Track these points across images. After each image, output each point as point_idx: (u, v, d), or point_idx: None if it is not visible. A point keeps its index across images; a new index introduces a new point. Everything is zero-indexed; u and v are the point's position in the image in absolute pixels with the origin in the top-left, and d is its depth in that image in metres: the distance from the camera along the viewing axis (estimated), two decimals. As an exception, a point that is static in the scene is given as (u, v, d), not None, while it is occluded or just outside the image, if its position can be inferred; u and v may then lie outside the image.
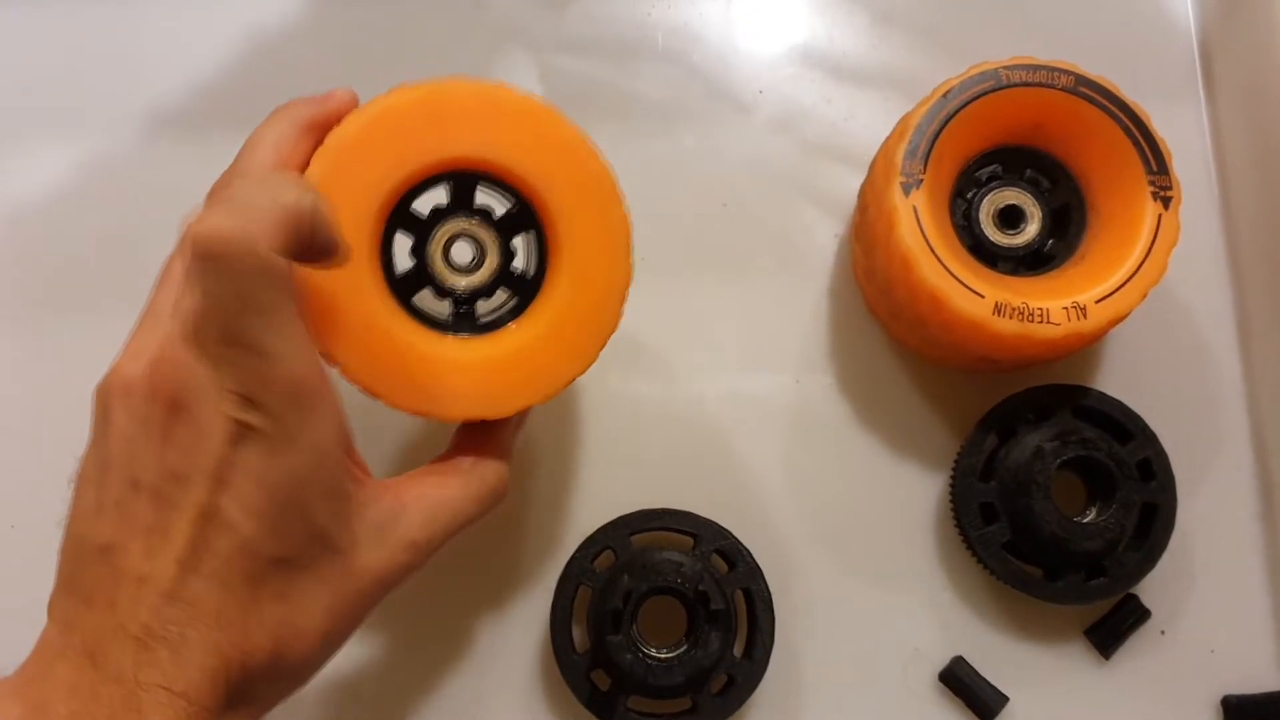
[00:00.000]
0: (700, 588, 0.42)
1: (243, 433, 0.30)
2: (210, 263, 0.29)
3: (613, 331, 0.38)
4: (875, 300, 0.48)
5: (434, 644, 0.46)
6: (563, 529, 0.47)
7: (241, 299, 0.30)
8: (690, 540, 0.45)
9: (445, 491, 0.37)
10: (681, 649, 0.43)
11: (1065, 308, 0.42)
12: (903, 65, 0.51)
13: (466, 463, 0.38)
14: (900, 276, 0.43)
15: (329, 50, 0.52)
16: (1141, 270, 0.42)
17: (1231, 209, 0.50)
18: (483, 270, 0.38)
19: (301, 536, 0.31)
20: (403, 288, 0.37)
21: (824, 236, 0.50)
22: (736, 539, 0.45)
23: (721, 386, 0.49)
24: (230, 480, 0.30)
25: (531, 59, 0.51)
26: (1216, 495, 0.48)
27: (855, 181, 0.48)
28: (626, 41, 0.52)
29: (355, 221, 0.36)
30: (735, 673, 0.44)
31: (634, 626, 0.43)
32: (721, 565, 0.45)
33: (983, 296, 0.42)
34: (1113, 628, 0.47)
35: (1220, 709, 0.46)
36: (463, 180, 0.38)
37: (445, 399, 0.37)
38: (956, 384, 0.48)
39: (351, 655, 0.46)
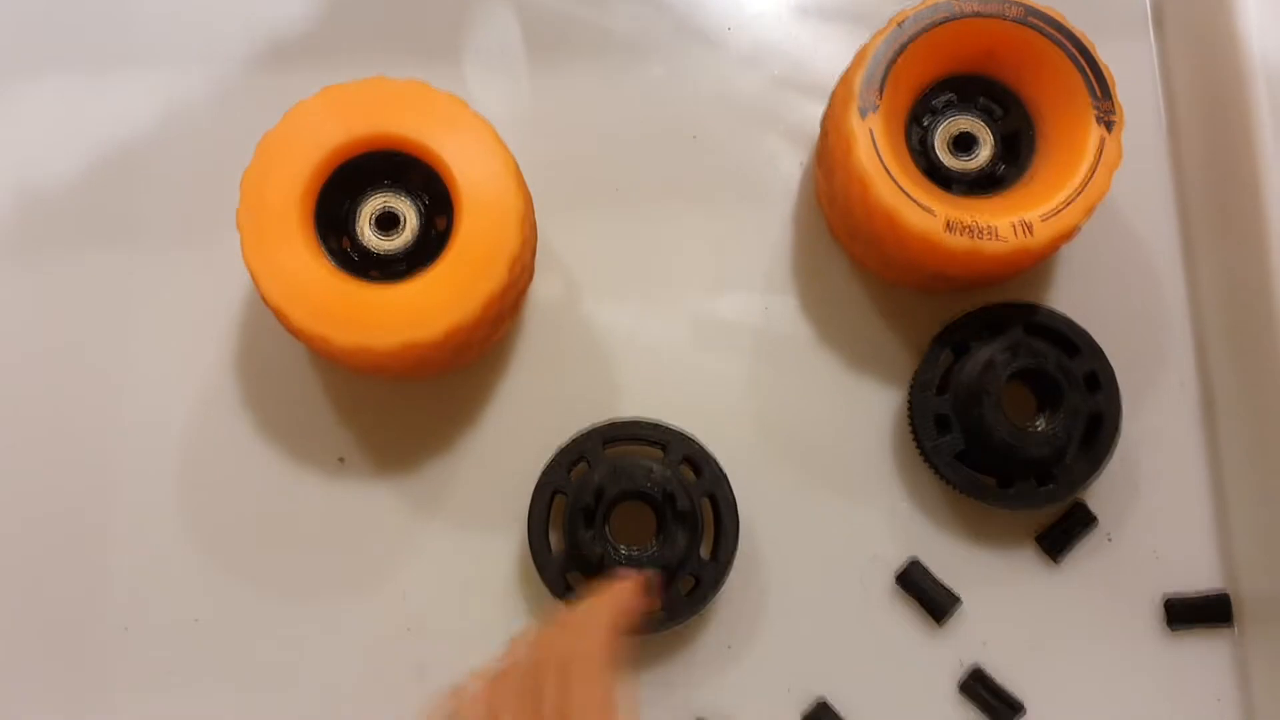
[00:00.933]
0: (668, 490, 0.45)
1: None
2: None
3: (499, 284, 0.43)
4: (836, 223, 0.50)
5: (422, 553, 0.49)
6: (540, 445, 0.49)
7: None
8: (660, 452, 0.47)
9: None
10: (651, 549, 0.45)
11: (1013, 224, 0.44)
12: (867, 1, 0.54)
13: None
14: (858, 196, 0.45)
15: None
16: (1086, 189, 0.45)
17: (1178, 137, 0.52)
18: (403, 234, 0.46)
19: None
20: (339, 252, 0.45)
21: (789, 166, 0.52)
22: (703, 446, 0.47)
23: (691, 308, 0.51)
24: None
25: (511, 4, 0.53)
26: (1161, 409, 0.50)
27: (819, 113, 0.50)
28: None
29: (296, 191, 0.43)
30: (701, 574, 0.46)
31: (606, 526, 0.45)
32: (690, 474, 0.47)
33: (934, 214, 0.44)
34: (1061, 533, 0.49)
35: (1163, 608, 0.49)
36: (391, 161, 0.45)
37: (378, 331, 0.43)
38: (914, 304, 0.50)
39: (345, 561, 0.49)
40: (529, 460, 0.48)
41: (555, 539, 0.47)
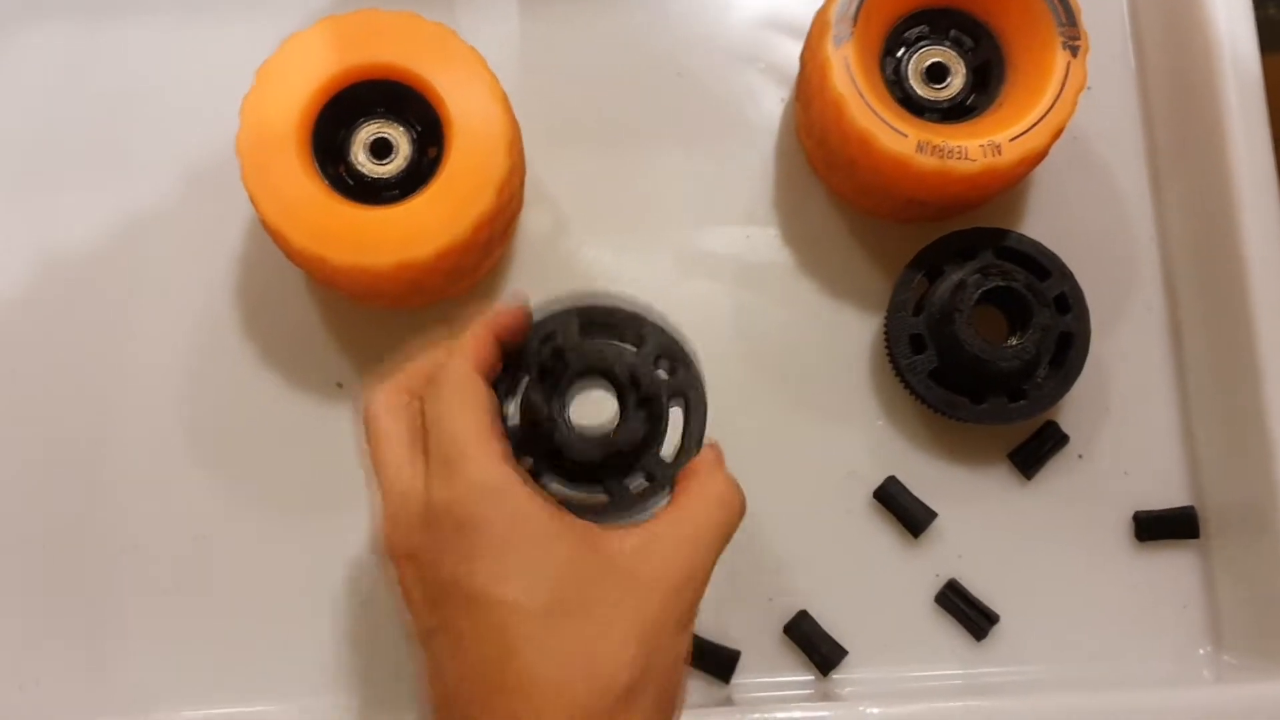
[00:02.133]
0: (635, 373, 0.41)
1: None
2: None
3: (488, 206, 0.45)
4: (815, 154, 0.52)
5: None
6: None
7: None
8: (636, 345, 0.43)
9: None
10: (605, 429, 0.42)
11: (982, 145, 0.46)
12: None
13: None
14: (833, 122, 0.47)
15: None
16: (1052, 111, 0.46)
17: (1144, 66, 0.54)
18: (396, 160, 0.47)
19: None
20: (335, 178, 0.47)
21: (770, 102, 0.54)
22: (684, 345, 0.44)
23: (674, 240, 0.53)
24: None
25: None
26: (1130, 332, 0.52)
27: (799, 51, 0.52)
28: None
29: (293, 118, 0.45)
30: (656, 473, 0.42)
31: (563, 403, 0.42)
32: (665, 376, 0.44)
33: (906, 136, 0.46)
34: (1033, 451, 0.51)
35: (1132, 522, 0.51)
36: (384, 90, 0.47)
37: (373, 251, 0.45)
38: (890, 233, 0.52)
39: (342, 480, 0.50)
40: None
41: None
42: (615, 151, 0.53)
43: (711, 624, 0.50)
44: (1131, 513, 0.51)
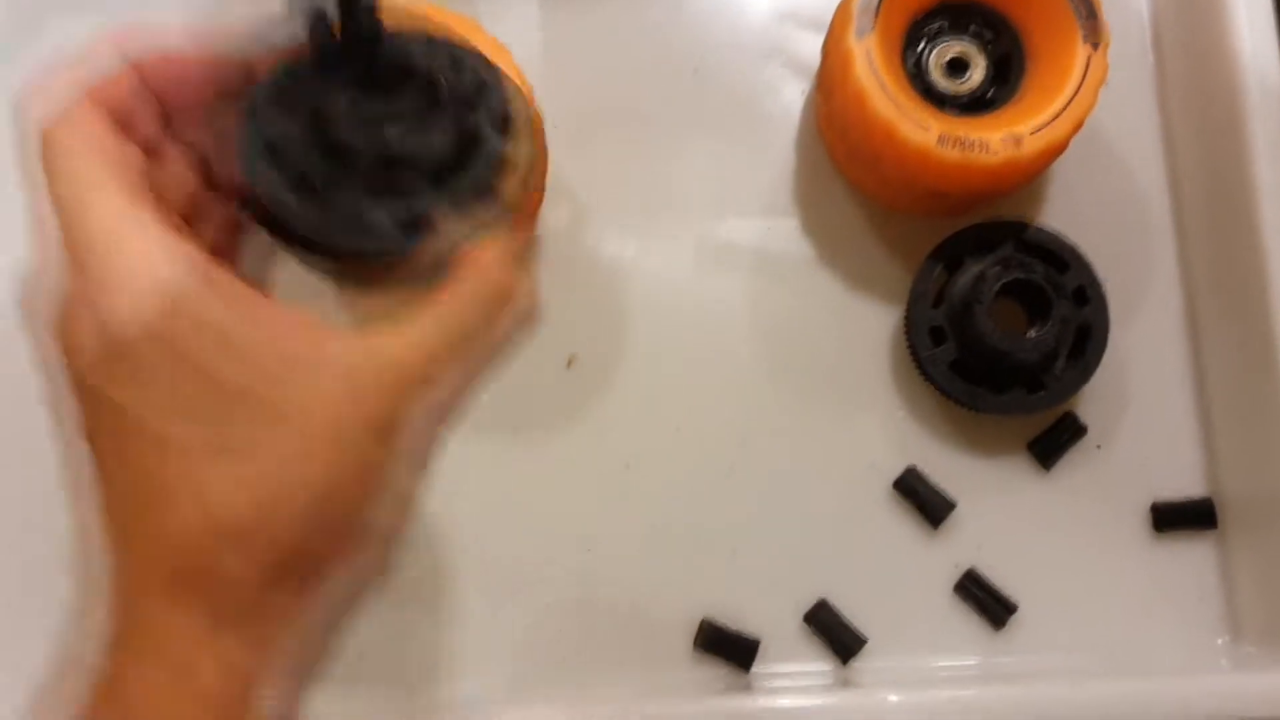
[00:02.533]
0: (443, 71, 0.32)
1: None
2: None
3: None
4: (835, 146, 0.52)
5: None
6: (551, 363, 0.52)
7: None
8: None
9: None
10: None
11: (1003, 138, 0.46)
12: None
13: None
14: (855, 113, 0.48)
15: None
16: (1073, 103, 0.47)
17: (1163, 60, 0.54)
18: None
19: None
20: None
21: (791, 94, 0.54)
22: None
23: (695, 232, 0.53)
24: None
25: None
26: (1148, 324, 0.52)
27: (819, 45, 0.52)
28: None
29: None
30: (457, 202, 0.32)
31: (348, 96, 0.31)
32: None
33: (928, 129, 0.46)
34: (1052, 441, 0.51)
35: (1150, 513, 0.51)
36: None
37: None
38: (910, 227, 0.53)
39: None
40: (538, 377, 0.51)
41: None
42: (635, 146, 0.54)
43: (732, 612, 0.50)
44: (1149, 503, 0.51)
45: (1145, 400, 0.52)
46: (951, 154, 0.46)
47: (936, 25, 0.50)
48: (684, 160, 0.54)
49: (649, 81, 0.54)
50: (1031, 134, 0.46)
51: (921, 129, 0.46)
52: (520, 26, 0.54)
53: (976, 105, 0.50)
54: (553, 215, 0.53)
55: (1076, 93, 0.47)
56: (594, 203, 0.53)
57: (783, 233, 0.53)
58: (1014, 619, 0.50)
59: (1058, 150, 0.47)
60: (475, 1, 0.54)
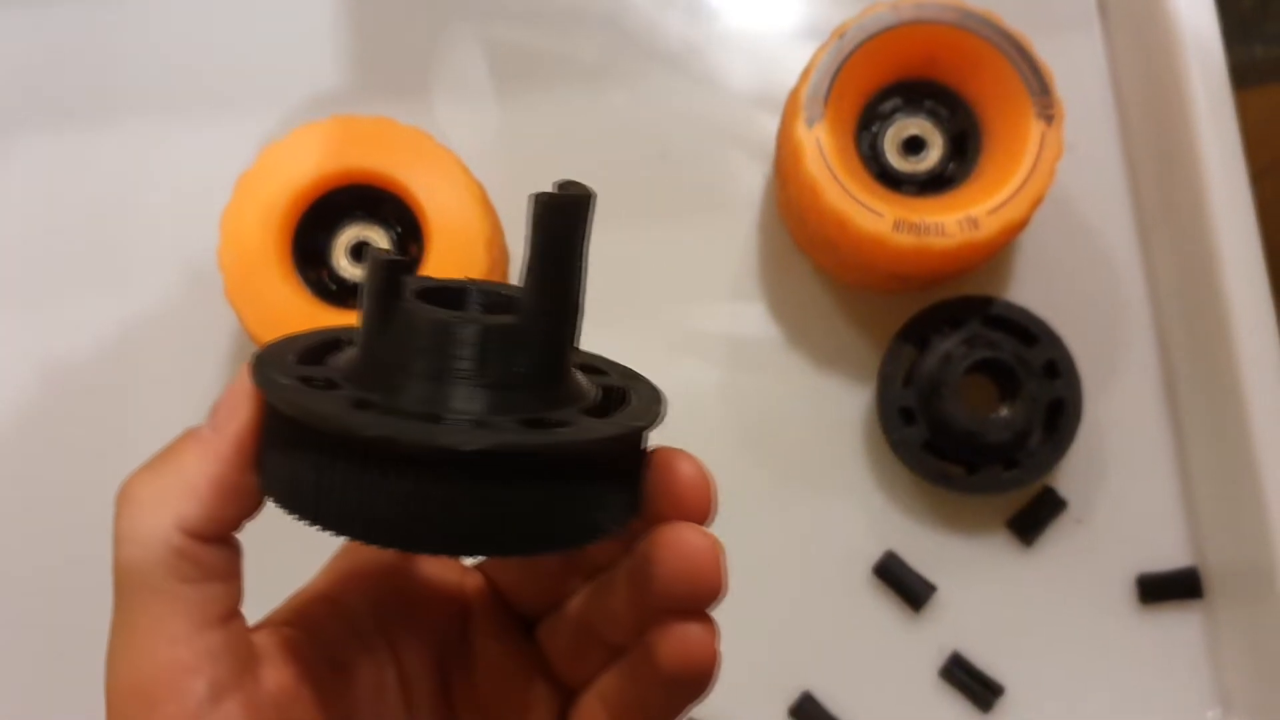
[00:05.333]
0: None
1: None
2: None
3: None
4: (797, 230, 0.52)
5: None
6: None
7: None
8: None
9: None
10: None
11: (958, 220, 0.46)
12: (824, 13, 0.55)
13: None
14: (810, 203, 0.47)
15: (278, 26, 0.56)
16: (1029, 182, 0.46)
17: (1128, 128, 0.54)
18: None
19: None
20: (319, 283, 0.47)
21: (753, 178, 0.54)
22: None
23: (663, 320, 0.53)
24: None
25: (474, 33, 0.56)
26: (1124, 393, 0.52)
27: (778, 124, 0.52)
28: (561, 10, 0.56)
29: (273, 227, 0.46)
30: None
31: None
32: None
33: (882, 215, 0.46)
34: (1032, 518, 0.51)
35: (1135, 586, 0.50)
36: (363, 195, 0.47)
37: None
38: (877, 303, 0.52)
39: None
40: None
41: None
42: (599, 235, 0.53)
43: (717, 709, 0.49)
44: (1134, 575, 0.50)
45: (1125, 472, 0.51)
46: (907, 240, 0.46)
47: (891, 104, 0.50)
48: (650, 247, 0.53)
49: (611, 169, 0.54)
50: (988, 214, 0.46)
51: (875, 216, 0.46)
52: (480, 121, 0.54)
53: (935, 183, 0.49)
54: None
55: (1033, 170, 0.46)
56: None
57: (751, 317, 0.53)
58: (1001, 701, 0.49)
59: (1016, 229, 0.47)
60: (432, 100, 0.55)
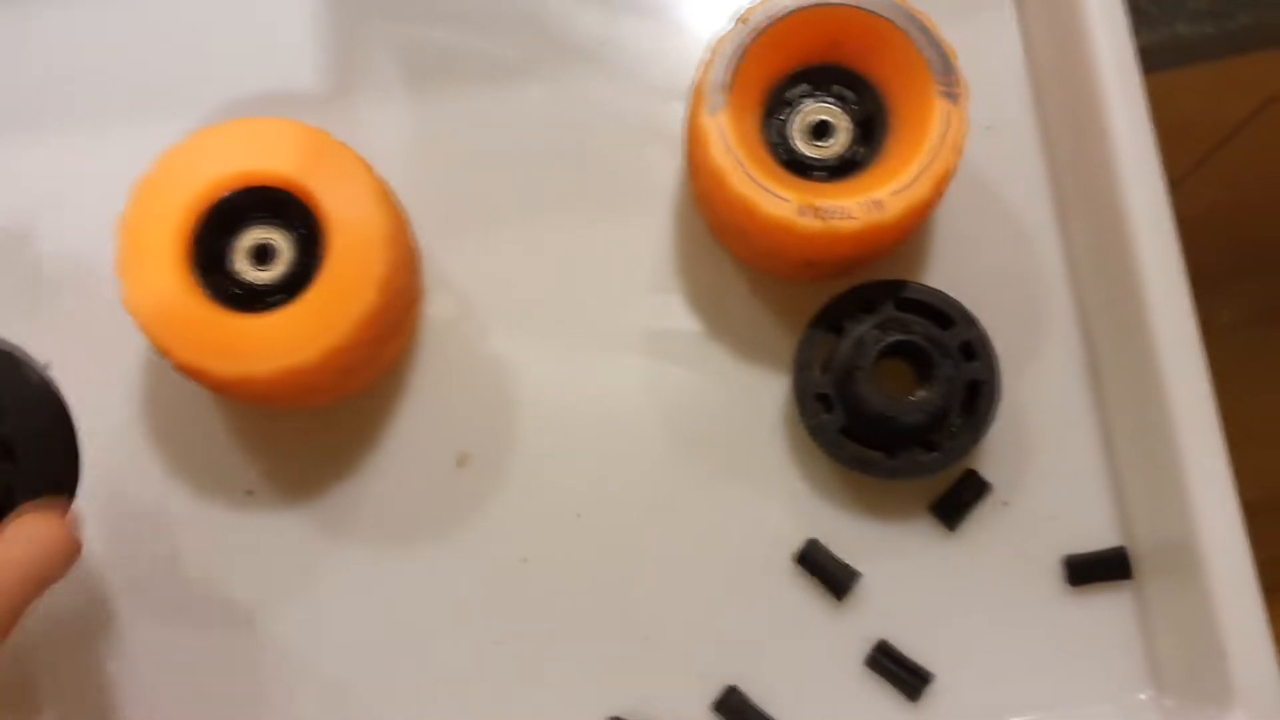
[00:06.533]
0: None
1: None
2: None
3: (369, 306, 0.45)
4: (711, 220, 0.52)
5: (331, 576, 0.50)
6: (444, 460, 0.51)
7: None
8: None
9: None
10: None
11: (863, 203, 0.46)
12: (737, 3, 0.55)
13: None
14: (717, 192, 0.47)
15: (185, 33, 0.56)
16: (934, 162, 0.46)
17: (1044, 108, 0.53)
18: (279, 266, 0.47)
19: None
20: (223, 288, 0.47)
21: (668, 171, 0.54)
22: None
23: (582, 316, 0.52)
24: None
25: (387, 32, 0.55)
26: (1047, 373, 0.51)
27: (691, 116, 0.52)
28: (476, 7, 0.55)
29: (170, 233, 0.45)
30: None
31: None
32: None
33: (788, 200, 0.46)
34: (955, 501, 0.50)
35: (1063, 567, 0.50)
36: (265, 197, 0.47)
37: (255, 359, 0.45)
38: (795, 291, 0.52)
39: (258, 589, 0.50)
40: (428, 481, 0.50)
41: None
42: (517, 233, 0.53)
43: (641, 704, 0.49)
44: (1062, 557, 0.50)
45: (1050, 452, 0.51)
46: (813, 224, 0.45)
47: (798, 90, 0.49)
48: (567, 245, 0.53)
49: (526, 169, 0.54)
50: (892, 196, 0.45)
51: (781, 201, 0.45)
52: (395, 122, 0.54)
53: (845, 168, 0.49)
54: (434, 309, 0.52)
55: (937, 150, 0.46)
56: (477, 294, 0.53)
57: (670, 309, 0.52)
58: (930, 689, 0.49)
59: (922, 210, 0.46)
60: (347, 101, 0.54)
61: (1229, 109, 0.78)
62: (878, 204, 0.46)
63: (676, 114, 0.54)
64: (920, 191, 0.46)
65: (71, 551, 0.39)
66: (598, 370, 0.52)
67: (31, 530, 0.38)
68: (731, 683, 0.49)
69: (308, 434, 0.51)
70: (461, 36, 0.55)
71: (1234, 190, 0.85)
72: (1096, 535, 0.50)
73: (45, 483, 0.41)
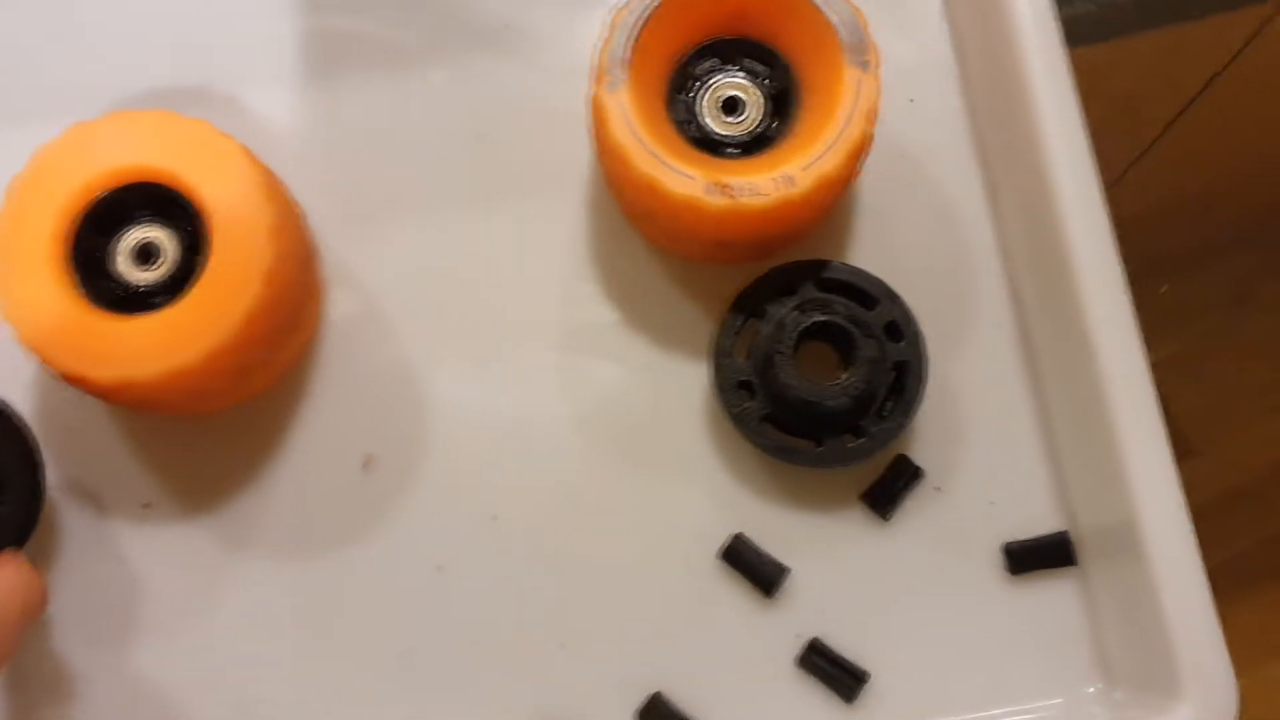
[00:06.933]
0: None
1: None
2: None
3: (255, 300, 0.42)
4: (620, 203, 0.49)
5: (235, 589, 0.48)
6: (351, 462, 0.49)
7: None
8: None
9: None
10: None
11: (773, 179, 0.43)
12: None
13: None
14: (621, 171, 0.45)
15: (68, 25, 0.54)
16: (845, 132, 0.44)
17: (967, 76, 0.51)
18: (163, 266, 0.45)
19: None
20: (105, 291, 0.44)
21: (580, 154, 0.51)
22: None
23: (494, 307, 0.50)
24: None
25: (285, 21, 0.53)
26: (979, 353, 0.49)
27: (604, 99, 0.50)
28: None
29: (45, 234, 0.43)
30: None
31: None
32: None
33: (694, 178, 0.43)
34: (887, 489, 0.48)
35: (1003, 556, 0.47)
36: (148, 194, 0.45)
37: (136, 362, 0.42)
38: (714, 277, 0.49)
39: (158, 605, 0.48)
40: (332, 486, 0.48)
41: None
42: (424, 224, 0.51)
43: (563, 715, 0.46)
44: (1001, 544, 0.47)
45: (985, 435, 0.48)
46: (721, 202, 0.43)
47: (706, 65, 0.47)
48: (475, 234, 0.51)
49: (432, 158, 0.51)
50: (803, 170, 0.43)
51: (687, 179, 0.43)
52: (283, 111, 0.52)
53: (759, 144, 0.47)
54: (336, 307, 0.50)
55: (849, 121, 0.44)
56: (381, 289, 0.50)
57: (585, 298, 0.50)
58: (867, 689, 0.46)
59: (835, 183, 0.44)
60: (234, 90, 0.52)
61: (1181, 80, 0.76)
62: (789, 179, 0.43)
63: (585, 94, 0.52)
64: (833, 164, 0.43)
65: (43, 600, 0.43)
66: (510, 364, 0.50)
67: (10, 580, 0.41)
68: (656, 689, 0.46)
69: (207, 442, 0.48)
70: (359, 23, 0.53)
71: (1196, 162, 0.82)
72: (1037, 521, 0.48)
73: (13, 526, 0.43)
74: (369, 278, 0.50)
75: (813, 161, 0.43)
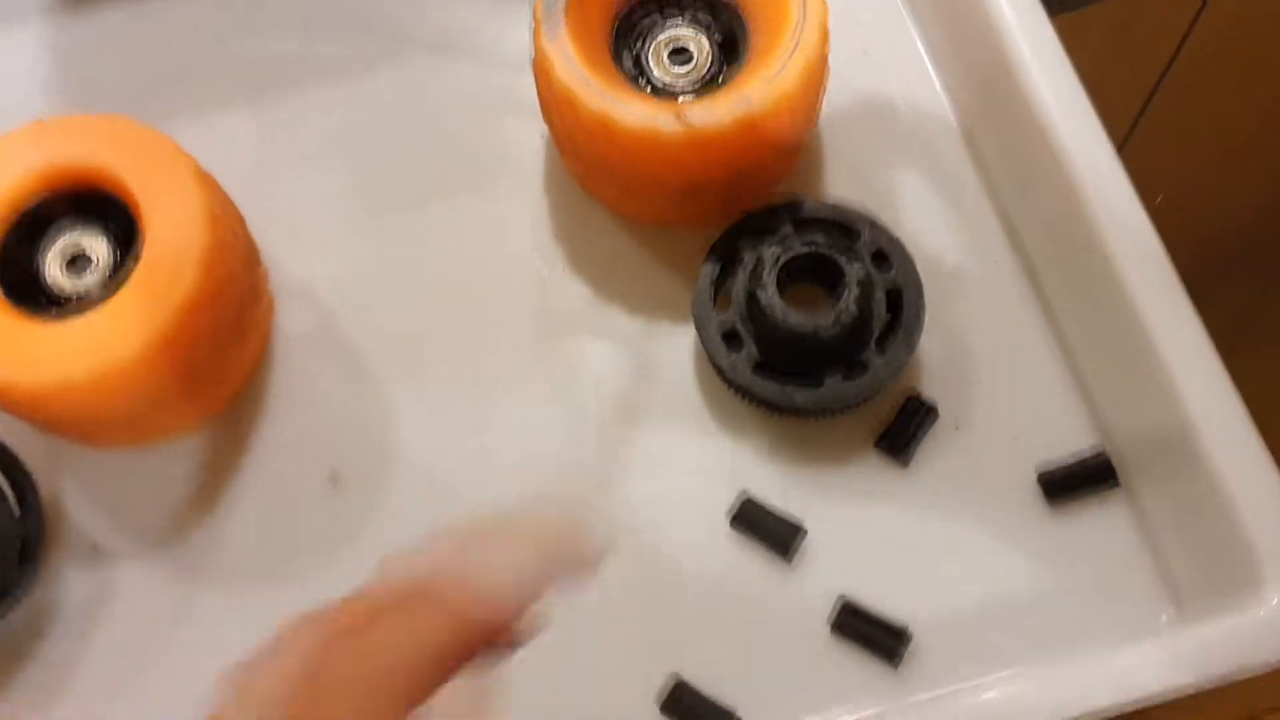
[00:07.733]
0: None
1: None
2: None
3: (190, 288, 0.40)
4: (578, 171, 0.47)
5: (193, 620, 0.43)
6: (314, 480, 0.45)
7: None
8: None
9: None
10: None
11: (729, 101, 0.41)
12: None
13: None
14: (571, 119, 0.43)
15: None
16: (799, 46, 0.42)
17: (922, 21, 0.50)
18: (95, 272, 0.42)
19: None
20: (38, 301, 0.42)
21: (531, 139, 0.50)
22: None
23: (463, 302, 0.47)
24: None
25: (219, 48, 0.52)
26: (981, 281, 0.46)
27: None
28: (308, 9, 0.53)
29: None
30: None
31: None
32: None
33: (646, 109, 0.41)
34: (902, 432, 0.44)
35: (1039, 486, 0.43)
36: (75, 200, 0.42)
37: (68, 361, 0.39)
38: (683, 237, 0.47)
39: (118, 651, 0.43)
40: (300, 503, 0.44)
41: None
42: (380, 230, 0.49)
43: (581, 711, 0.41)
44: (1035, 473, 0.43)
45: (1000, 364, 0.45)
46: (678, 131, 0.41)
47: (648, 19, 0.46)
48: (433, 232, 0.48)
49: (382, 156, 0.50)
50: (761, 88, 0.41)
51: (639, 111, 0.41)
52: (232, 130, 0.50)
53: (709, 89, 0.45)
54: (291, 322, 0.47)
55: (800, 33, 0.42)
56: (339, 298, 0.48)
57: (557, 282, 0.47)
58: (911, 648, 0.41)
59: (797, 102, 0.42)
60: (181, 112, 0.50)
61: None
62: (745, 99, 0.41)
63: (529, 82, 0.50)
64: (790, 80, 0.42)
65: None
66: (489, 359, 0.46)
67: None
68: (678, 675, 0.41)
69: (158, 474, 0.45)
70: (288, 43, 0.52)
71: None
72: (1068, 445, 0.43)
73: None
74: (324, 291, 0.47)
75: (770, 78, 0.41)
